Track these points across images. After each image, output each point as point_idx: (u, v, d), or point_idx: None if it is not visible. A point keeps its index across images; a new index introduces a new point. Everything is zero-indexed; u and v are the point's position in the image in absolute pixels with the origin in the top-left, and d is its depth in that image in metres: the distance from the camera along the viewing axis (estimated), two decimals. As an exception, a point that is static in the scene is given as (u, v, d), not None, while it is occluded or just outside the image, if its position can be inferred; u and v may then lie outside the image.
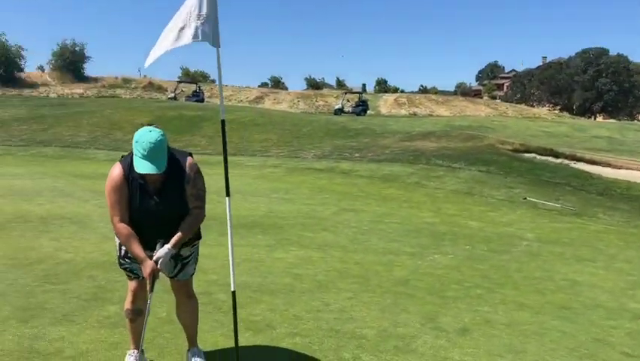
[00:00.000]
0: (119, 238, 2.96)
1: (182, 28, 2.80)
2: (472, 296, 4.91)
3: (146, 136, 2.81)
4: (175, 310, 3.38)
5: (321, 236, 7.11)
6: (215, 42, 2.90)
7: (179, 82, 39.16)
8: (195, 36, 2.78)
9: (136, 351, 3.21)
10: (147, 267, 2.87)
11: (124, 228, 2.90)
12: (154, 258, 2.88)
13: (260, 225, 7.61)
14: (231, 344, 3.64)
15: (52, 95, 35.98)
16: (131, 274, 3.12)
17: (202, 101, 35.21)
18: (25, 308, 4.10)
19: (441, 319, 4.30)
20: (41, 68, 43.93)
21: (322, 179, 12.14)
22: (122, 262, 3.13)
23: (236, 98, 43.81)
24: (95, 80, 41.25)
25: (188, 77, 54.50)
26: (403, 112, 42.55)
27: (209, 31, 2.79)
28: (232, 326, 3.94)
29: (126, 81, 41.46)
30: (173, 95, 36.19)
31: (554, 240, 7.52)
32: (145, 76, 46.04)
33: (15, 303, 4.21)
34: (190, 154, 3.11)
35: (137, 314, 3.15)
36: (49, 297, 4.39)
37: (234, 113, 23.39)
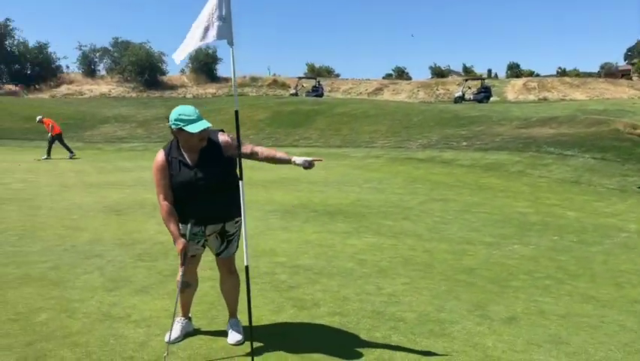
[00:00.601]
0: (161, 213, 3.39)
1: (207, 28, 3.14)
2: (537, 287, 4.71)
3: (185, 107, 3.29)
4: (219, 284, 3.75)
5: (400, 225, 7.16)
6: (230, 41, 3.20)
7: (300, 78, 40.68)
8: (219, 35, 3.10)
9: (183, 318, 3.65)
10: (179, 244, 3.26)
11: (166, 205, 3.33)
12: (187, 230, 3.29)
13: (343, 212, 7.86)
14: (275, 319, 3.97)
15: (188, 96, 39.46)
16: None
17: (321, 95, 36.24)
18: (114, 280, 4.79)
19: (491, 307, 4.21)
20: (183, 71, 48.35)
21: (420, 169, 12.03)
22: None
23: (356, 90, 44.33)
24: (226, 80, 44.33)
25: (314, 72, 56.29)
26: (532, 97, 39.89)
27: (227, 31, 3.10)
28: (280, 303, 4.28)
29: (253, 80, 44.01)
30: (294, 91, 37.73)
31: (664, 232, 6.79)
32: (275, 74, 48.67)
33: (108, 275, 4.93)
34: (222, 130, 3.44)
35: (186, 286, 3.58)
36: (137, 272, 5.06)
37: (347, 106, 23.83)
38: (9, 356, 3.28)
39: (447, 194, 9.31)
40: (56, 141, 17.45)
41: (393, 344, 3.52)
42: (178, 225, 3.32)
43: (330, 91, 42.12)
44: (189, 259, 3.46)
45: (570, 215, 7.69)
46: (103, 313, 3.99)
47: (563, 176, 10.54)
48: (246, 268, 3.32)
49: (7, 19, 45.44)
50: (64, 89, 42.73)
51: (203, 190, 3.31)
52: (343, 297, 4.43)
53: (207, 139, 3.36)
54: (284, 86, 42.37)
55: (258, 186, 10.03)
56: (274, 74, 48.59)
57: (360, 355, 3.37)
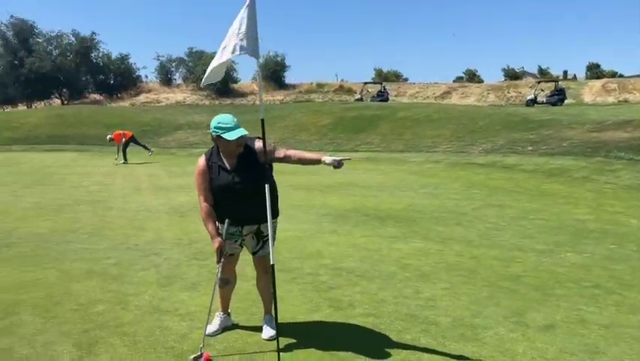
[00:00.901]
0: (200, 214, 3.64)
1: (225, 47, 3.37)
2: (582, 296, 4.56)
3: (223, 116, 3.53)
4: (256, 282, 3.95)
5: (451, 230, 7.11)
6: (254, 54, 3.40)
7: (365, 83, 40.72)
8: (233, 51, 3.32)
9: (222, 313, 3.89)
10: (215, 242, 3.50)
11: (205, 207, 3.58)
12: (222, 230, 3.52)
13: (394, 217, 7.90)
14: (310, 318, 4.13)
15: (257, 103, 40.55)
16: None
17: (386, 100, 36.13)
18: (167, 276, 5.14)
19: (530, 315, 4.14)
20: (254, 79, 49.71)
21: (480, 174, 11.78)
22: None
23: (423, 94, 43.79)
24: (294, 86, 45.25)
25: (381, 77, 56.17)
26: (611, 99, 37.68)
27: (248, 45, 3.29)
28: (317, 303, 4.43)
29: (320, 86, 44.62)
30: (359, 96, 37.86)
31: None
32: (342, 80, 49.11)
33: (162, 272, 5.29)
34: (258, 137, 3.63)
35: (225, 283, 3.82)
36: (189, 270, 5.39)
37: (411, 110, 23.66)
38: (67, 341, 3.65)
39: (504, 200, 9.09)
40: (131, 144, 18.64)
41: (421, 346, 3.58)
42: (216, 225, 3.56)
43: (396, 95, 41.89)
44: (228, 258, 3.69)
45: (633, 223, 7.30)
46: (153, 307, 4.31)
47: (631, 182, 9.97)
48: (272, 266, 3.49)
49: (93, 33, 48.84)
50: (143, 97, 45.25)
51: (240, 193, 3.53)
52: (380, 299, 4.51)
53: (245, 145, 3.58)
54: (350, 91, 42.62)
55: (314, 191, 10.24)
56: (341, 80, 49.10)
57: (387, 355, 3.45)
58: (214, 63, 3.47)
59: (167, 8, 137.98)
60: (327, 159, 3.58)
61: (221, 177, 3.56)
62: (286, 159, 3.66)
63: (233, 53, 3.26)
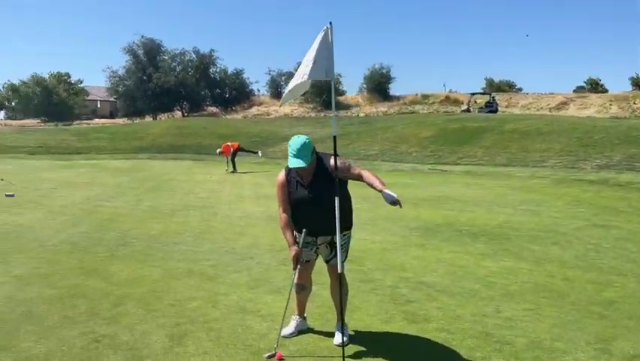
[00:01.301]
0: (279, 224, 3.92)
1: (302, 70, 3.63)
2: (683, 328, 4.21)
3: (294, 140, 3.73)
4: (329, 289, 4.15)
5: (546, 250, 6.80)
6: (329, 75, 3.62)
7: (473, 94, 39.52)
8: (301, 76, 3.57)
9: (299, 317, 4.13)
10: (292, 250, 3.75)
11: (284, 217, 3.87)
12: (299, 239, 3.76)
13: (488, 234, 7.71)
14: (383, 329, 4.24)
15: (361, 115, 41.05)
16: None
17: (495, 111, 34.77)
18: (257, 279, 5.51)
19: (617, 343, 3.92)
20: (361, 90, 50.49)
21: (588, 192, 11.03)
22: None
23: (536, 105, 41.56)
24: (398, 98, 45.15)
25: (492, 87, 54.27)
26: None
27: (317, 70, 3.50)
28: (392, 315, 4.53)
29: (425, 97, 44.08)
30: (466, 107, 36.85)
31: None
32: (450, 90, 48.17)
33: (253, 275, 5.67)
34: (332, 155, 3.82)
35: (301, 288, 4.07)
36: (277, 274, 5.73)
37: (519, 122, 22.65)
38: (161, 332, 4.10)
39: (611, 220, 8.48)
40: (239, 153, 19.92)
41: (490, 365, 3.55)
42: (293, 234, 3.82)
43: (506, 106, 40.19)
44: (304, 264, 3.94)
45: None
46: (239, 307, 4.67)
47: None
48: (340, 275, 3.66)
49: (212, 50, 52.48)
50: (254, 110, 47.71)
51: (315, 207, 3.76)
52: (457, 316, 4.50)
53: (320, 162, 3.79)
54: (456, 102, 41.64)
55: (408, 203, 10.25)
56: (449, 90, 48.12)
57: (454, 371, 3.47)
58: (286, 92, 3.75)
59: (278, 24, 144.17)
60: (386, 191, 3.56)
61: (298, 191, 3.82)
62: (359, 178, 3.78)
63: (300, 78, 3.53)
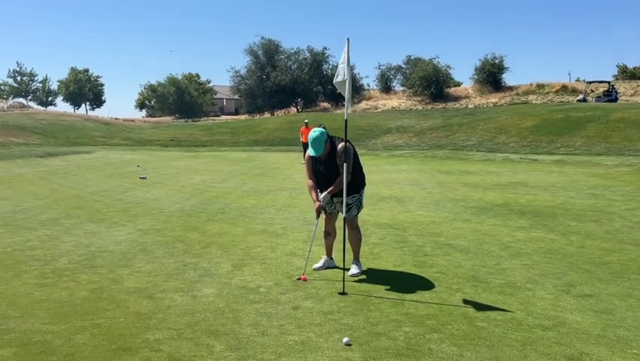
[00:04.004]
0: (307, 187, 5.30)
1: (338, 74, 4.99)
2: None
3: (312, 134, 5.06)
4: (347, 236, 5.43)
5: (582, 225, 7.41)
6: (340, 87, 4.95)
7: (590, 82, 37.27)
8: (338, 76, 4.92)
9: (327, 257, 5.48)
10: (316, 204, 5.12)
11: (310, 183, 5.25)
12: (320, 197, 5.11)
13: (536, 212, 8.40)
14: (392, 269, 5.43)
15: (470, 106, 40.66)
16: (324, 211, 5.40)
17: (615, 100, 32.67)
18: (316, 238, 6.91)
19: (580, 287, 4.73)
20: (475, 81, 49.67)
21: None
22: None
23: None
24: (510, 88, 43.82)
25: (626, 73, 50.48)
26: None
27: (342, 73, 4.86)
28: (406, 261, 5.70)
29: (540, 87, 42.34)
30: (582, 97, 34.99)
31: None
32: (577, 79, 45.69)
33: (310, 234, 7.08)
34: (343, 140, 5.10)
35: (327, 234, 5.43)
36: (330, 235, 7.08)
37: (629, 112, 21.60)
38: (229, 263, 5.67)
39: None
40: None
41: (460, 295, 4.62)
42: (317, 193, 5.18)
43: (631, 95, 37.42)
44: (329, 216, 5.32)
45: None
46: (290, 252, 6.11)
47: None
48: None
49: (324, 48, 54.73)
50: (363, 104, 49.04)
51: (325, 179, 5.13)
52: (459, 265, 5.54)
53: (332, 144, 5.08)
54: (574, 91, 39.52)
55: (479, 188, 11.02)
56: (577, 79, 45.58)
57: (423, 298, 4.60)
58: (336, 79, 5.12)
59: (386, 18, 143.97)
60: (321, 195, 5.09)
61: (316, 165, 5.18)
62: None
63: (337, 77, 4.92)
